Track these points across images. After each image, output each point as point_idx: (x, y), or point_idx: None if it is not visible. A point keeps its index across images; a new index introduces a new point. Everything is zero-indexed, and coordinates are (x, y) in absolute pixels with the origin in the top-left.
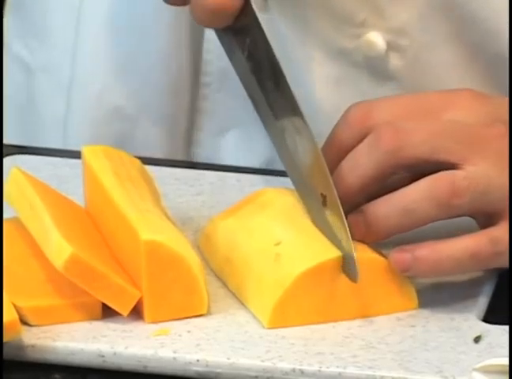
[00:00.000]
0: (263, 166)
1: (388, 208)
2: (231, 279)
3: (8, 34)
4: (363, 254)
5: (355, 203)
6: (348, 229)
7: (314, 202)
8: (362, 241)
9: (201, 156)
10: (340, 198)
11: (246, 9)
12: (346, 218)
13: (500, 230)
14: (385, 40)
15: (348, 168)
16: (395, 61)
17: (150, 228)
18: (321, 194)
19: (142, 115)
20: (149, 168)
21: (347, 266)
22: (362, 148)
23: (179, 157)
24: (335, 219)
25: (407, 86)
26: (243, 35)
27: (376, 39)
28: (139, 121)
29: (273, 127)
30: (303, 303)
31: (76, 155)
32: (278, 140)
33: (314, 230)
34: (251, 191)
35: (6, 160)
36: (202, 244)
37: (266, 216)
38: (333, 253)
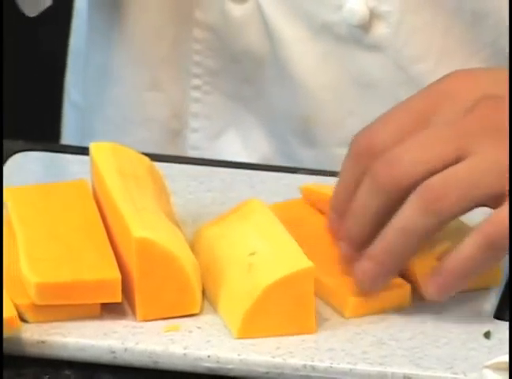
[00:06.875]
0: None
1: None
2: (209, 288)
3: (67, 84)
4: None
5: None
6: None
7: None
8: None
9: None
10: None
11: None
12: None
13: None
14: (367, 7)
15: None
16: (379, 29)
17: (143, 226)
18: None
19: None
20: (159, 165)
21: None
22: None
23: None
24: None
25: (392, 55)
26: None
27: (358, 6)
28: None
29: None
30: (273, 314)
31: (86, 152)
32: None
33: (290, 242)
34: (262, 188)
35: (16, 156)
36: None
37: (246, 226)
38: (305, 263)
